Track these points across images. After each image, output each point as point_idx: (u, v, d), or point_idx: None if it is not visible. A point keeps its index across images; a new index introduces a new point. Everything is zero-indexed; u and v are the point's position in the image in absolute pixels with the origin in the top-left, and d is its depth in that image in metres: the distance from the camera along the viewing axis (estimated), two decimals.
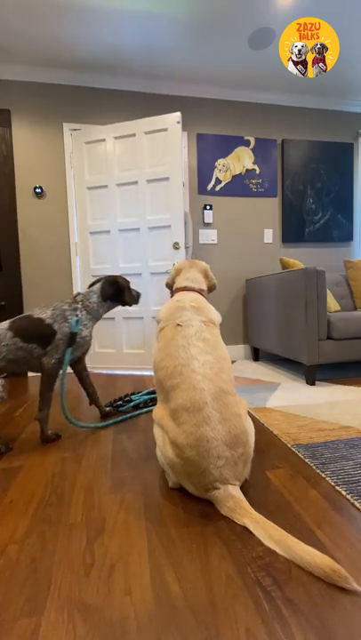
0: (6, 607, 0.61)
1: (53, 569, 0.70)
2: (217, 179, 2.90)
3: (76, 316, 1.39)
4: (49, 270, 2.68)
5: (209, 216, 2.89)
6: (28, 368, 1.36)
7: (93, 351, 2.78)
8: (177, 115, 2.60)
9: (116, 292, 1.52)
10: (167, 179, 2.63)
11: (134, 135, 2.63)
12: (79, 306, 1.42)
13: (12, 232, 2.60)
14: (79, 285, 2.73)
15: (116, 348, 2.80)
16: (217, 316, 1.18)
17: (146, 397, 1.78)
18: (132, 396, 1.82)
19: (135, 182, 2.65)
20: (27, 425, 1.56)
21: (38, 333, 1.31)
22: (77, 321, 1.36)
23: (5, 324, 1.33)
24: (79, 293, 1.47)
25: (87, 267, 2.73)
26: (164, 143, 2.61)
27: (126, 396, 1.85)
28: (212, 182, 2.90)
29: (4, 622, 0.58)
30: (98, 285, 1.50)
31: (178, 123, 2.58)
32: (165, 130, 2.61)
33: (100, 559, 0.72)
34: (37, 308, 1.39)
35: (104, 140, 2.65)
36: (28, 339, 1.30)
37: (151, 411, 1.68)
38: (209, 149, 2.87)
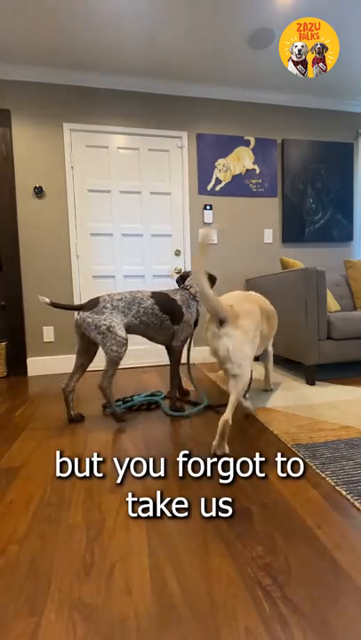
0: (6, 607, 0.61)
1: (53, 569, 0.70)
2: (217, 179, 2.90)
3: (196, 302, 1.73)
4: (49, 270, 2.68)
5: (209, 216, 2.89)
6: (151, 335, 1.64)
7: None
8: (178, 140, 2.82)
9: (213, 282, 1.82)
10: (169, 194, 2.85)
11: (138, 149, 2.77)
12: (196, 295, 1.75)
13: (12, 232, 2.60)
14: (79, 286, 2.72)
15: None
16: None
17: (143, 399, 1.78)
18: (134, 397, 1.82)
19: (139, 192, 2.79)
20: (27, 425, 1.56)
21: (172, 309, 1.62)
22: (197, 309, 1.74)
23: (148, 292, 1.61)
24: (185, 286, 1.77)
25: (87, 267, 2.73)
26: (167, 162, 2.83)
27: (131, 397, 1.84)
28: (212, 182, 2.89)
29: (3, 622, 0.58)
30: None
31: (179, 147, 2.82)
32: (167, 151, 2.80)
33: (100, 559, 0.72)
34: (168, 291, 1.69)
35: (107, 147, 2.72)
36: (164, 310, 1.60)
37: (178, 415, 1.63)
38: (209, 149, 2.87)
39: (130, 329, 1.58)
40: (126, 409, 1.71)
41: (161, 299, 1.61)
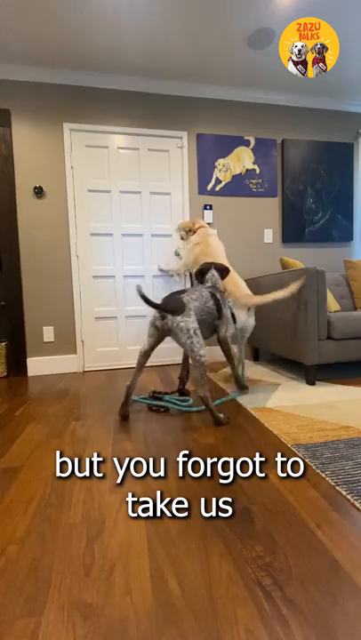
0: (6, 607, 0.61)
1: (53, 569, 0.70)
2: (217, 179, 2.90)
3: (227, 297, 1.89)
4: (49, 270, 2.68)
5: (209, 216, 2.89)
6: (203, 331, 1.67)
7: (95, 350, 2.78)
8: (178, 140, 2.82)
9: (226, 274, 1.92)
10: (169, 194, 2.85)
11: (138, 149, 2.77)
12: (224, 291, 1.89)
13: (12, 232, 2.60)
14: (79, 286, 2.72)
15: (119, 347, 2.82)
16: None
17: (171, 402, 1.75)
18: (164, 396, 1.82)
19: (139, 192, 2.79)
20: (27, 425, 1.56)
21: (219, 307, 1.71)
22: (229, 305, 1.87)
23: (207, 291, 1.69)
24: (213, 284, 1.83)
25: (87, 267, 2.73)
26: (167, 162, 2.83)
27: (161, 394, 1.85)
28: (212, 182, 2.89)
29: (3, 622, 0.58)
30: (217, 274, 1.85)
31: (179, 147, 2.82)
32: (167, 151, 2.81)
33: (100, 559, 0.72)
34: (210, 289, 1.75)
35: (107, 147, 2.72)
36: (217, 308, 1.70)
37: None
38: (209, 149, 2.87)
39: None
40: (147, 403, 1.74)
41: (215, 298, 1.72)
